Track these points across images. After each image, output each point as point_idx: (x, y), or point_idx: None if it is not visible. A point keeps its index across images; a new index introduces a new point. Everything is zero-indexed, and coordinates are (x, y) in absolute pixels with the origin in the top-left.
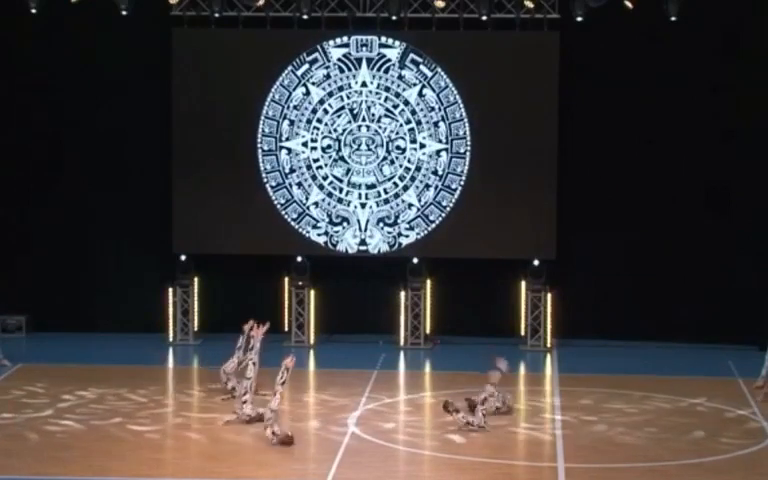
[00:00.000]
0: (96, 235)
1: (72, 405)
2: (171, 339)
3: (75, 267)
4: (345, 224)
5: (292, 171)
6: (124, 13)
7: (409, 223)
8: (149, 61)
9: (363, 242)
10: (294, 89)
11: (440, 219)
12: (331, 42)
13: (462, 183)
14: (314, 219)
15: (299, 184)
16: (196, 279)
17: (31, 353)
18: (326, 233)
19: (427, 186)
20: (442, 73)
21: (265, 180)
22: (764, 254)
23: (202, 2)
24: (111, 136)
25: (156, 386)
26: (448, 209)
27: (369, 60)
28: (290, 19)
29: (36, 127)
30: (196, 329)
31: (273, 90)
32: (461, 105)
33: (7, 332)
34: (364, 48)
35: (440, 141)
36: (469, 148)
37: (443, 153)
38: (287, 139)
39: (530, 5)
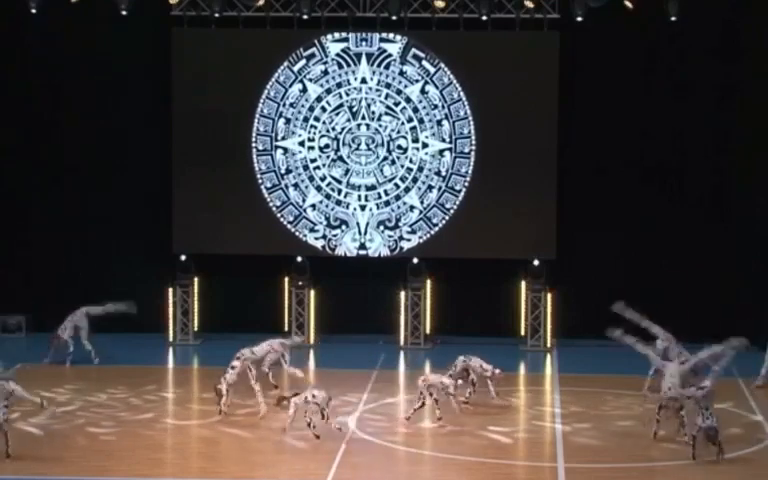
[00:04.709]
0: (96, 235)
1: (71, 405)
2: (171, 339)
3: (75, 267)
4: (344, 227)
5: (288, 172)
6: (124, 13)
7: (411, 226)
8: (149, 61)
9: (363, 246)
10: (290, 86)
11: (443, 222)
12: (329, 36)
13: (466, 184)
14: (311, 222)
15: (296, 185)
16: (196, 279)
17: (31, 353)
18: (324, 236)
19: (430, 187)
20: (445, 69)
21: (260, 181)
22: (764, 254)
23: (202, 2)
24: (111, 136)
25: (156, 386)
26: (452, 211)
27: (369, 55)
28: (290, 19)
29: (36, 127)
30: (196, 329)
31: (268, 87)
32: (465, 103)
33: (7, 332)
34: (364, 43)
35: (443, 140)
36: (474, 147)
37: (446, 153)
38: (283, 138)
39: (530, 5)
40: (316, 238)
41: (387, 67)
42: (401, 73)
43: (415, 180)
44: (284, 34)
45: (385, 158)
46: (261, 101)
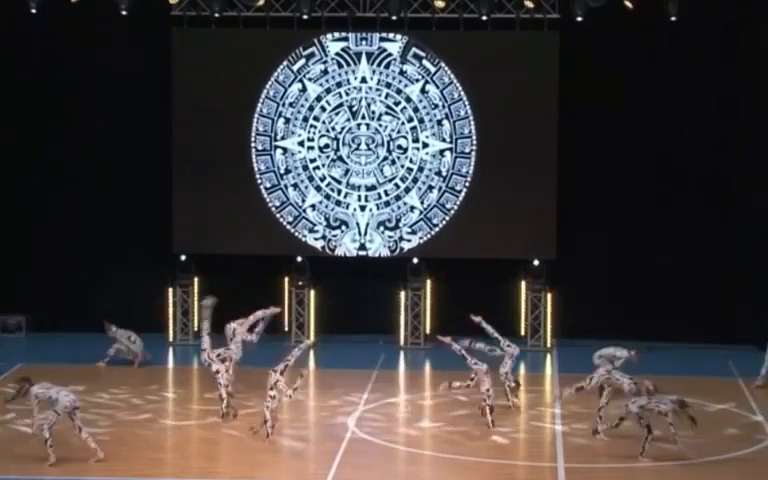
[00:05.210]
0: (96, 235)
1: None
2: (171, 339)
3: (75, 267)
4: (344, 228)
5: (288, 172)
6: (124, 13)
7: (411, 227)
8: (149, 61)
9: (363, 247)
10: (290, 85)
11: (443, 223)
12: (329, 36)
13: (467, 184)
14: (311, 222)
15: (295, 185)
16: (196, 279)
17: (31, 353)
18: (324, 237)
19: (430, 188)
20: (446, 68)
21: (259, 181)
22: (764, 254)
23: (202, 2)
24: (111, 136)
25: (156, 386)
26: (452, 212)
27: (369, 55)
28: (290, 19)
29: (36, 127)
30: (196, 329)
31: (268, 86)
32: (466, 102)
33: (7, 332)
34: (364, 42)
35: (444, 140)
36: (475, 147)
37: (447, 153)
38: (282, 138)
39: (530, 5)
40: (316, 239)
41: (387, 66)
42: (401, 72)
43: (415, 180)
44: (284, 34)
45: (385, 158)
46: (260, 101)
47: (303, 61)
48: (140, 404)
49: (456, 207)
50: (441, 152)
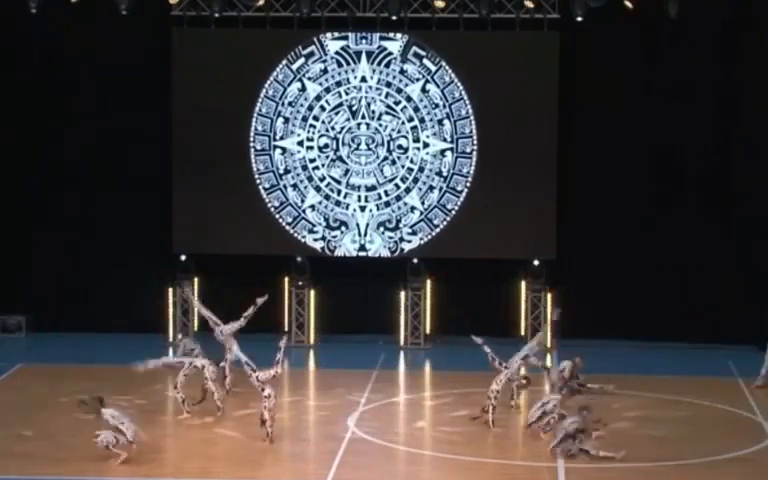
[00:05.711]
0: (96, 235)
1: (70, 405)
2: (171, 339)
3: (75, 267)
4: (343, 228)
5: (287, 172)
6: (124, 13)
7: (411, 227)
8: (149, 61)
9: (363, 247)
10: (289, 85)
11: (444, 223)
12: (329, 34)
13: (468, 185)
14: (310, 223)
15: (294, 186)
16: (196, 279)
17: (31, 353)
18: (323, 238)
19: (431, 188)
20: (447, 67)
21: (258, 181)
22: (764, 254)
23: (202, 2)
24: (111, 136)
25: (156, 386)
26: (453, 212)
27: (369, 53)
28: (290, 19)
29: (36, 127)
30: (196, 329)
31: (267, 86)
32: (467, 101)
33: (7, 332)
34: (363, 41)
35: (444, 140)
36: (476, 147)
37: (448, 153)
38: (281, 138)
39: (530, 5)
40: (315, 239)
41: (387, 66)
42: (402, 72)
43: (416, 180)
44: (284, 34)
45: (385, 158)
46: (259, 100)
47: (302, 60)
48: (140, 404)
49: (456, 207)
50: (442, 152)
